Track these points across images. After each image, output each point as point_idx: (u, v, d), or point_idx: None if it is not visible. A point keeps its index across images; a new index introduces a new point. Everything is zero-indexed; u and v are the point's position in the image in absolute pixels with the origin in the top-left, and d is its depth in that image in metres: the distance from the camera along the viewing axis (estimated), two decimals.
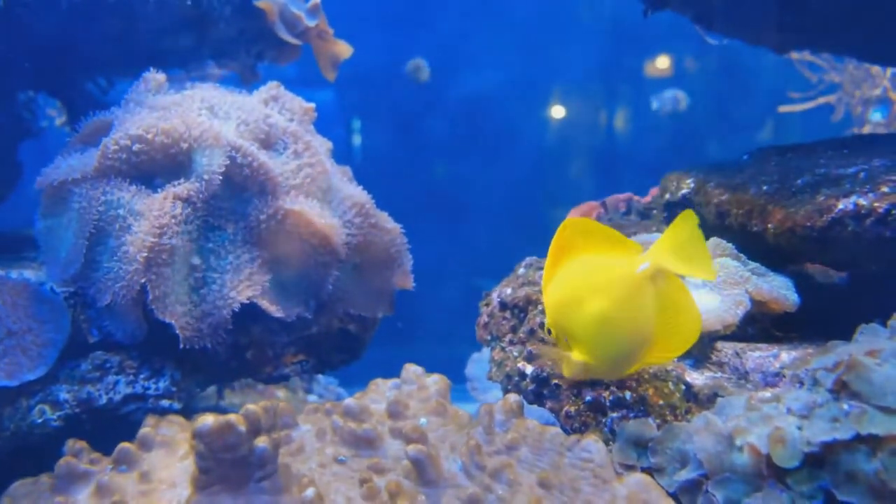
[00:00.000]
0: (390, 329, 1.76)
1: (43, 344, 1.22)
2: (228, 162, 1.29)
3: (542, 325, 1.29)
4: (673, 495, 0.98)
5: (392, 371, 1.28)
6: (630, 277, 0.91)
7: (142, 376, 1.30)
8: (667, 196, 1.60)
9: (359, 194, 1.50)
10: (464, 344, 2.54)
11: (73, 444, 1.12)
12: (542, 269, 1.45)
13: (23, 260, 1.41)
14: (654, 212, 1.71)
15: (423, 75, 3.64)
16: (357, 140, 4.42)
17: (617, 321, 0.93)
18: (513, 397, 1.12)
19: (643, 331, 0.92)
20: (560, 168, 4.49)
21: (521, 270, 1.51)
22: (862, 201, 1.07)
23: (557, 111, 4.50)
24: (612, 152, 4.42)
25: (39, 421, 1.21)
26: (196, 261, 1.28)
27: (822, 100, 3.49)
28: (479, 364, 2.48)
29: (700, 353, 1.14)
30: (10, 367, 1.18)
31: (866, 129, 3.41)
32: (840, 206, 1.09)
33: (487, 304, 1.49)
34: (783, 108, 3.52)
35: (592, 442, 1.04)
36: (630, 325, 0.93)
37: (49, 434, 1.21)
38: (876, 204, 1.06)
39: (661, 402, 1.08)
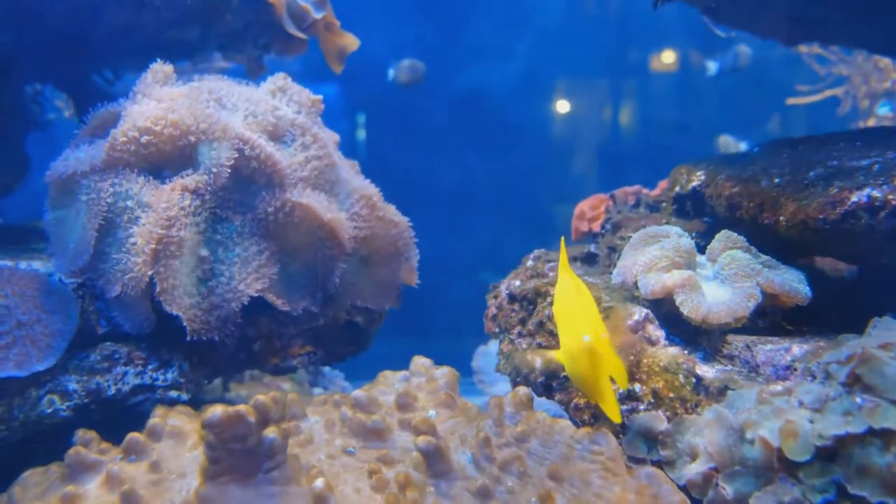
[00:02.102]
0: (395, 322, 1.76)
1: (52, 335, 1.22)
2: (236, 154, 1.28)
3: (550, 317, 1.29)
4: (683, 488, 0.97)
5: (396, 364, 1.28)
6: (577, 340, 1.02)
7: (150, 367, 1.30)
8: (676, 189, 1.59)
9: (366, 187, 1.49)
10: (470, 337, 2.54)
11: (82, 433, 1.12)
12: (550, 261, 1.45)
13: (31, 251, 1.41)
14: (664, 204, 1.70)
15: (415, 76, 3.58)
16: (361, 134, 4.42)
17: (571, 365, 1.04)
18: (522, 390, 1.12)
19: (589, 380, 1.01)
20: (567, 162, 4.48)
21: (529, 263, 1.51)
22: (876, 193, 1.06)
23: (564, 105, 4.48)
24: (619, 146, 4.40)
25: (49, 411, 1.21)
26: (204, 252, 1.28)
27: (828, 92, 3.47)
28: (485, 357, 2.48)
29: (710, 346, 1.13)
30: (19, 358, 1.18)
31: (871, 123, 3.39)
32: (853, 198, 1.08)
33: (496, 297, 1.48)
34: (791, 101, 3.50)
35: (602, 434, 1.04)
36: (578, 373, 1.03)
37: (58, 424, 1.22)
38: (890, 196, 1.05)
39: (671, 394, 1.08)
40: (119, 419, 1.24)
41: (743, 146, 3.53)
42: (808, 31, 1.97)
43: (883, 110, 3.40)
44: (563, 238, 1.16)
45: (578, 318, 1.05)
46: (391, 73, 3.62)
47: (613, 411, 0.99)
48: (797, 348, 1.07)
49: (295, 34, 1.88)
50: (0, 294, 1.21)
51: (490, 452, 1.01)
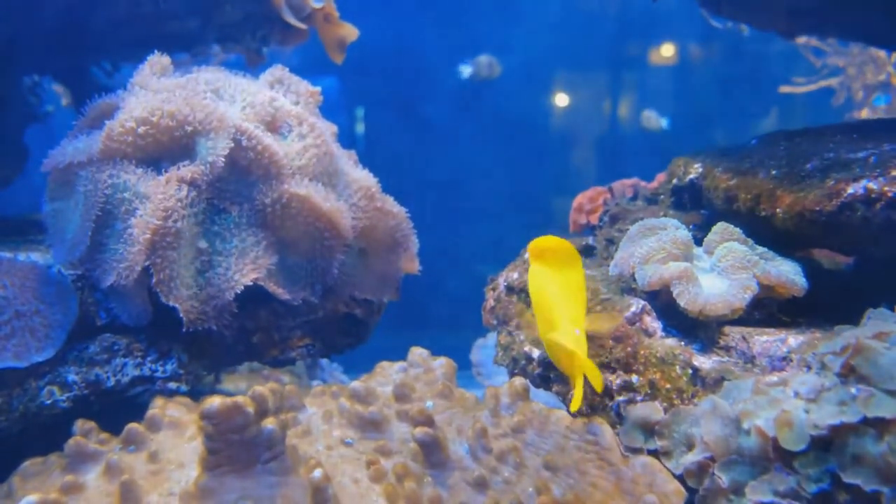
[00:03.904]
0: (394, 315, 1.76)
1: (51, 325, 1.22)
2: (233, 144, 1.28)
3: None
4: (679, 478, 0.98)
5: (394, 358, 1.28)
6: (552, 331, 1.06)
7: (149, 359, 1.30)
8: (674, 181, 1.59)
9: (365, 178, 1.49)
10: (468, 330, 2.54)
11: (82, 424, 1.13)
12: None
13: (31, 243, 1.41)
14: (661, 197, 1.70)
15: (492, 71, 3.59)
16: (360, 127, 4.41)
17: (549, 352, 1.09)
18: (519, 380, 1.13)
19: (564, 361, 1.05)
20: (565, 154, 4.48)
21: (527, 255, 1.51)
22: (872, 185, 1.06)
23: (562, 97, 4.48)
24: (618, 138, 4.40)
25: (48, 402, 1.21)
26: (201, 244, 1.28)
27: (823, 83, 3.47)
28: (483, 350, 2.49)
29: (707, 337, 1.14)
30: (18, 349, 1.18)
31: (864, 114, 3.39)
32: (850, 190, 1.08)
33: (494, 289, 1.49)
34: (784, 89, 3.50)
35: (598, 424, 1.04)
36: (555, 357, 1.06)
37: (58, 415, 1.22)
38: (886, 188, 1.05)
39: (667, 385, 1.09)
40: (118, 410, 1.25)
41: (664, 122, 3.57)
42: (806, 23, 1.97)
43: (878, 102, 3.41)
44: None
45: (557, 308, 1.06)
46: (467, 70, 3.64)
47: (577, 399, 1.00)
48: (793, 339, 1.07)
49: (294, 24, 1.87)
50: None
51: (487, 443, 1.02)
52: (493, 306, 1.47)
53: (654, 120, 3.77)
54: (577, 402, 1.00)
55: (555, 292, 1.08)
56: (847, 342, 0.93)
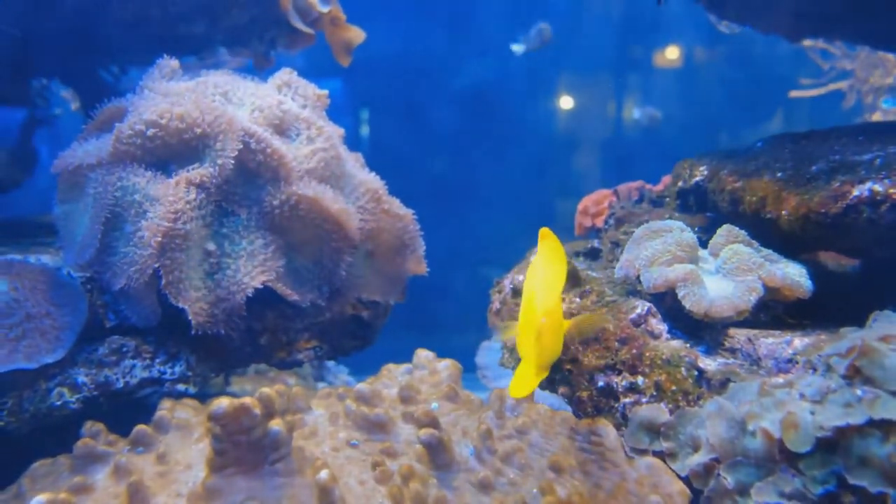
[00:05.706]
0: (400, 318, 1.77)
1: (61, 328, 1.23)
2: (242, 147, 1.29)
3: None
4: (685, 479, 0.98)
5: (400, 360, 1.29)
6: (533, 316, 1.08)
7: (158, 361, 1.31)
8: (679, 183, 1.59)
9: (372, 180, 1.50)
10: (473, 332, 2.54)
11: (90, 425, 1.14)
12: None
13: (41, 245, 1.42)
14: (667, 199, 1.71)
15: (543, 40, 3.59)
16: (365, 129, 4.42)
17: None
18: None
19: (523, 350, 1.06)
20: (570, 157, 4.48)
21: (532, 258, 1.51)
22: (877, 188, 1.07)
23: (567, 100, 4.48)
24: (623, 141, 4.40)
25: (58, 403, 1.22)
26: (210, 246, 1.29)
27: (832, 86, 3.46)
28: (489, 352, 2.48)
29: (712, 339, 1.14)
30: (29, 350, 1.19)
31: (876, 117, 3.38)
32: (855, 192, 1.08)
33: (499, 291, 1.49)
34: (794, 94, 3.49)
35: (602, 426, 1.04)
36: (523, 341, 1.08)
37: (67, 416, 1.23)
38: (892, 190, 1.05)
39: (673, 387, 1.09)
40: (127, 412, 1.26)
41: (636, 113, 3.69)
42: (812, 26, 1.97)
43: (887, 104, 3.39)
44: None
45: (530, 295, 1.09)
46: (519, 47, 3.65)
47: (518, 385, 0.98)
48: (798, 341, 1.07)
49: (301, 29, 1.88)
50: (10, 287, 1.23)
51: (492, 444, 1.02)
52: (499, 308, 1.47)
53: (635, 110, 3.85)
54: (518, 385, 0.98)
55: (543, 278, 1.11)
56: (853, 344, 0.93)
